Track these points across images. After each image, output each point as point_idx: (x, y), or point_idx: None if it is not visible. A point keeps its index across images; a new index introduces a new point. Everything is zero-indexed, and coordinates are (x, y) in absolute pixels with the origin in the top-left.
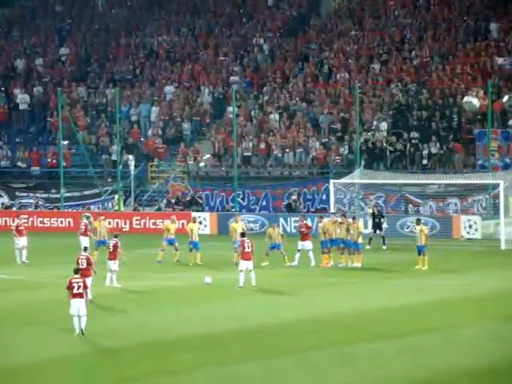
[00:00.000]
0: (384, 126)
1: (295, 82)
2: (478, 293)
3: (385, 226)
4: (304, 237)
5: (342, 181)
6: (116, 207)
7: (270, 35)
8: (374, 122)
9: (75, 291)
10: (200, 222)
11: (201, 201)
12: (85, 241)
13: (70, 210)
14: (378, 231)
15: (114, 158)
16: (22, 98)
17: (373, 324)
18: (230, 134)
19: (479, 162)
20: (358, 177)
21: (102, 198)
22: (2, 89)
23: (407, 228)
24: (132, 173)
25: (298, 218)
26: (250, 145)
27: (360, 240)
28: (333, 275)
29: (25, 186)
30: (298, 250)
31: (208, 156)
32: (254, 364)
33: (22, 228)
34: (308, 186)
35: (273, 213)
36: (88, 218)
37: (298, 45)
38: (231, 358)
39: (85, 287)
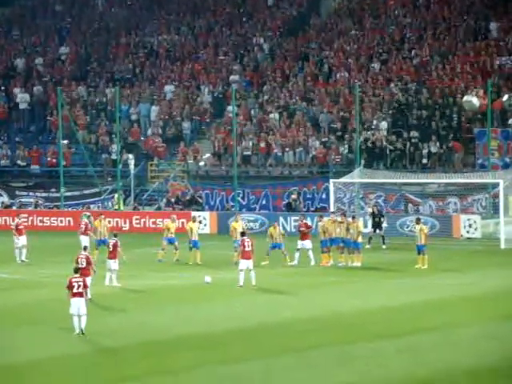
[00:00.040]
0: (384, 125)
1: (295, 82)
2: (477, 292)
3: (385, 225)
4: (304, 236)
5: (342, 180)
6: (116, 206)
7: (269, 34)
8: (374, 122)
9: (75, 290)
10: (200, 222)
11: (201, 200)
12: (85, 240)
13: (69, 209)
14: (377, 230)
15: (113, 157)
16: (21, 97)
17: (372, 323)
18: (229, 133)
19: (479, 161)
20: (357, 176)
21: (102, 197)
22: (2, 88)
23: (407, 227)
24: (132, 172)
25: (297, 218)
26: (250, 144)
27: (360, 239)
28: (332, 274)
29: (25, 185)
30: (298, 250)
31: (208, 155)
32: (254, 363)
33: (21, 227)
34: (308, 185)
35: (273, 212)
36: (88, 217)
37: (298, 44)
38: (231, 357)
39: (85, 286)
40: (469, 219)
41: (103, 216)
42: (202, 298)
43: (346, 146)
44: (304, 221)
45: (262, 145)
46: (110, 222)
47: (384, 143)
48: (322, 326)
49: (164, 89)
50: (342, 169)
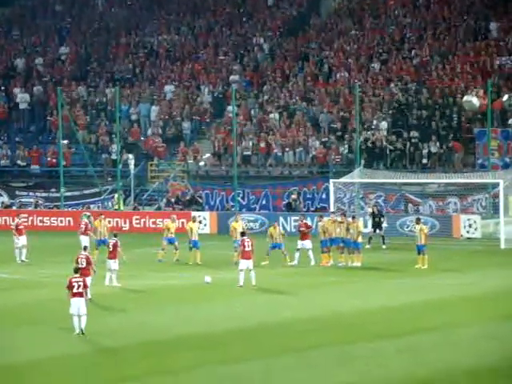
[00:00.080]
0: (384, 125)
1: (295, 82)
2: (477, 292)
3: (385, 225)
4: (304, 236)
5: (342, 180)
6: (116, 206)
7: (269, 34)
8: (374, 122)
9: (75, 290)
10: (200, 222)
11: (201, 200)
12: (85, 240)
13: (69, 209)
14: (377, 230)
15: (113, 157)
16: (21, 97)
17: (372, 323)
18: (229, 133)
19: (479, 161)
20: (357, 176)
21: (102, 197)
22: (2, 88)
23: (407, 227)
24: (132, 172)
25: (297, 218)
26: (250, 144)
27: (360, 239)
28: (332, 274)
29: (25, 185)
30: (298, 250)
31: (208, 155)
32: (254, 363)
33: (21, 227)
34: (308, 185)
35: (273, 212)
36: (88, 217)
37: (298, 44)
38: (231, 357)
39: (85, 286)
40: (469, 219)
41: (103, 216)
42: (201, 298)
43: (346, 146)
44: (304, 221)
45: (262, 145)
46: (109, 222)
47: (384, 143)
48: (321, 326)
49: (164, 89)
50: (342, 169)
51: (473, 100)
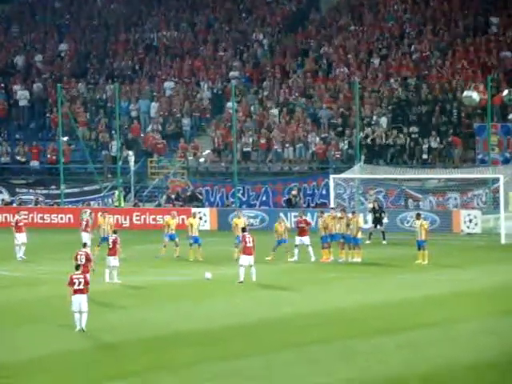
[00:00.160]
0: (384, 120)
1: (295, 77)
2: (477, 287)
3: (385, 220)
4: (302, 232)
5: (342, 176)
6: (116, 203)
7: (269, 30)
8: (374, 117)
9: (76, 287)
10: (200, 218)
11: (201, 196)
12: (86, 237)
13: (70, 206)
14: (378, 226)
15: (113, 153)
16: (21, 95)
17: (372, 319)
18: (229, 130)
19: (479, 157)
20: (357, 172)
21: (102, 193)
22: (2, 85)
23: (407, 223)
24: (132, 169)
25: (297, 214)
26: (250, 140)
27: (359, 235)
28: (333, 270)
29: (25, 182)
30: (296, 246)
31: (208, 151)
32: (255, 359)
33: (21, 224)
34: (308, 181)
35: (273, 208)
36: (90, 214)
37: (298, 40)
38: (231, 353)
39: (86, 283)
40: (469, 214)
41: (107, 213)
42: (202, 295)
43: (346, 141)
44: (304, 217)
45: (262, 141)
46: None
47: (384, 139)
48: (322, 322)
49: (164, 85)
50: (342, 164)
51: (473, 95)
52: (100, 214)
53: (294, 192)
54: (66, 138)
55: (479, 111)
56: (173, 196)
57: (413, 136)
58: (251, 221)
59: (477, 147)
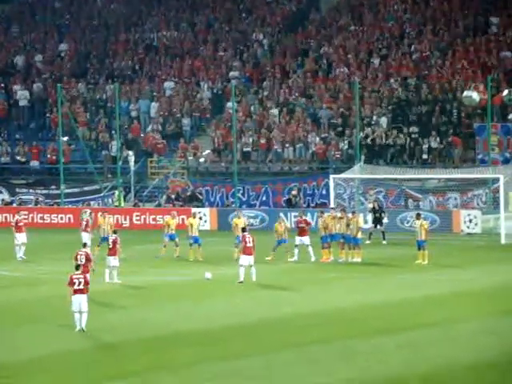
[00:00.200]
0: (384, 120)
1: (295, 77)
2: (477, 287)
3: (385, 220)
4: (302, 232)
5: (342, 176)
6: (116, 203)
7: (269, 30)
8: (374, 117)
9: (76, 287)
10: (200, 218)
11: (201, 196)
12: (86, 237)
13: (70, 206)
14: (378, 226)
15: (113, 153)
16: (21, 95)
17: (372, 319)
18: (229, 130)
19: (479, 157)
20: (357, 172)
21: (102, 194)
22: (2, 85)
23: (407, 223)
24: (132, 168)
25: (297, 214)
26: (250, 140)
27: (359, 235)
28: (333, 270)
29: (25, 182)
30: (296, 246)
31: (208, 151)
32: (255, 359)
33: (21, 224)
34: (308, 181)
35: (273, 208)
36: (90, 214)
37: (298, 40)
38: (231, 353)
39: (86, 283)
40: (469, 214)
41: (107, 213)
42: (202, 295)
43: (346, 141)
44: (304, 217)
45: (262, 141)
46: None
47: (384, 139)
48: (322, 322)
49: (164, 85)
50: (342, 164)
51: (473, 95)
52: (100, 213)
53: (293, 192)
54: (66, 138)
55: (479, 111)
56: (173, 196)
57: (413, 136)
58: (251, 221)
59: (477, 147)
